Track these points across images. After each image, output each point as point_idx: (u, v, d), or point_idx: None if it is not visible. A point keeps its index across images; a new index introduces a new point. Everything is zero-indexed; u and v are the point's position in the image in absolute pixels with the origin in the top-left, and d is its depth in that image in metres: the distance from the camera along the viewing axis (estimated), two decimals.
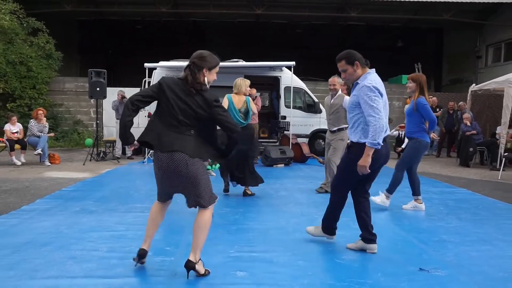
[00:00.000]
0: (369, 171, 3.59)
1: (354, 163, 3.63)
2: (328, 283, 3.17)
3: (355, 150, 3.72)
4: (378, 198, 5.72)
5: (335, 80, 6.62)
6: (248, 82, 6.41)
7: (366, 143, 3.54)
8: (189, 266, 3.15)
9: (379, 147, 3.53)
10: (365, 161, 3.54)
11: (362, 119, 3.66)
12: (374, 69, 3.75)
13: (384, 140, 3.68)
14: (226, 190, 6.55)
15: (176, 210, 5.43)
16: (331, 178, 6.49)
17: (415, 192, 5.70)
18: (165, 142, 3.10)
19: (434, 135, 5.82)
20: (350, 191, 3.99)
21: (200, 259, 3.23)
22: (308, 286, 3.10)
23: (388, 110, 3.79)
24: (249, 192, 6.49)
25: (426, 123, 5.52)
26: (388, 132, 3.83)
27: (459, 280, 3.27)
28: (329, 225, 4.08)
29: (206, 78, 3.26)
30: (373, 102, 3.50)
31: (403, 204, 5.81)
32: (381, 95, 3.57)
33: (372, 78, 3.62)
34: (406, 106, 6.18)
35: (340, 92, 6.68)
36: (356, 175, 3.69)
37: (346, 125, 6.25)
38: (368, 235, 3.93)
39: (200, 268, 3.21)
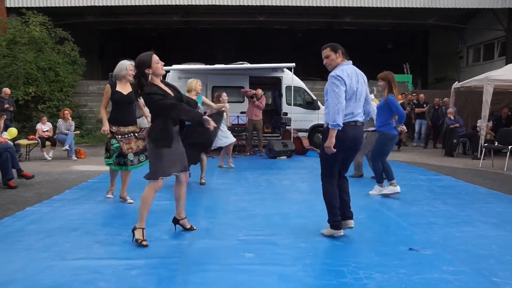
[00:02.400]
0: (334, 150, 3.57)
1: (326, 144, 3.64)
2: (328, 262, 3.17)
3: (325, 133, 3.69)
4: (374, 191, 5.69)
5: None
6: (199, 82, 6.46)
7: (329, 126, 3.57)
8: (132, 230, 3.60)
9: (339, 128, 3.52)
10: (329, 142, 3.58)
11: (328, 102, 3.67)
12: (351, 62, 3.76)
13: (355, 124, 3.68)
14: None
15: (191, 197, 5.44)
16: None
17: (389, 177, 5.61)
18: None
19: (401, 127, 5.80)
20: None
21: (139, 227, 3.55)
22: (310, 266, 3.10)
23: (362, 100, 3.77)
24: (203, 181, 6.43)
25: (395, 117, 5.49)
26: (362, 118, 3.78)
27: (445, 258, 3.26)
28: (336, 221, 3.78)
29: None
30: (335, 88, 3.55)
31: (404, 191, 5.72)
32: (345, 84, 3.57)
33: (342, 68, 3.65)
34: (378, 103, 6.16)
35: None
36: (335, 157, 3.67)
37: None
38: (347, 213, 3.85)
39: (136, 233, 3.55)
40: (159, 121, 3.50)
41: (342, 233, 3.78)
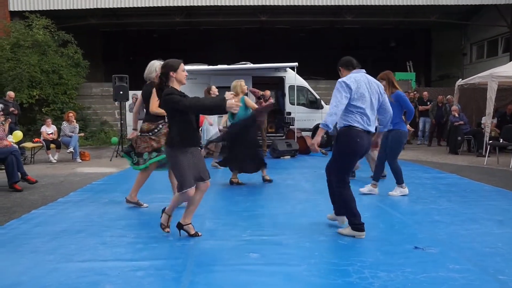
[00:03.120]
0: (318, 150, 3.85)
1: (343, 148, 3.79)
2: (333, 262, 3.16)
3: (341, 136, 3.81)
4: (395, 191, 5.62)
5: None
6: (243, 82, 6.61)
7: (320, 125, 3.71)
8: (177, 225, 3.79)
9: (329, 130, 3.67)
10: (316, 140, 3.80)
11: (345, 107, 3.73)
12: (358, 70, 3.85)
13: (368, 133, 3.77)
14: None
15: None
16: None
17: (376, 177, 5.65)
18: None
19: (409, 128, 5.79)
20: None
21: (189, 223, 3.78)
22: (315, 265, 3.09)
23: (374, 105, 3.82)
24: (237, 181, 6.50)
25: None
26: (372, 128, 3.82)
27: (450, 256, 3.25)
28: (356, 223, 3.77)
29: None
30: (337, 93, 3.67)
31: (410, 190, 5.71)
32: (351, 90, 3.66)
33: (351, 75, 3.77)
34: None
35: None
36: (352, 162, 3.82)
37: None
38: (341, 209, 3.98)
39: (188, 229, 3.78)
40: (176, 122, 3.53)
41: (364, 236, 3.74)
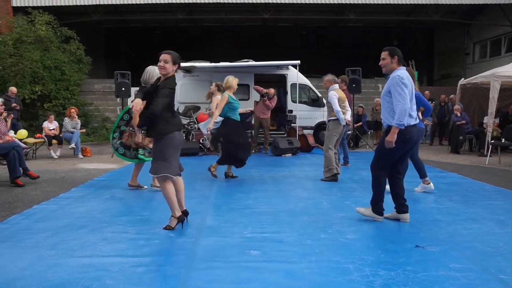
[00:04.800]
0: (394, 145, 3.87)
1: (396, 144, 3.88)
2: (334, 260, 3.16)
3: (388, 132, 3.96)
4: (419, 188, 5.67)
5: (324, 79, 6.93)
6: (236, 80, 6.66)
7: (393, 124, 3.87)
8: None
9: (403, 128, 3.83)
10: (391, 137, 3.87)
11: (390, 104, 3.95)
12: (405, 68, 4.06)
13: (415, 125, 3.98)
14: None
15: (196, 194, 5.46)
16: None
17: (422, 175, 5.65)
18: None
19: (427, 121, 5.82)
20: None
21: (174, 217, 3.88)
22: (316, 263, 3.09)
23: (414, 101, 4.06)
24: (231, 174, 6.77)
25: (421, 110, 5.51)
26: (416, 121, 4.03)
27: (452, 255, 3.24)
28: (378, 207, 4.15)
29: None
30: (400, 90, 3.85)
31: (410, 188, 5.71)
32: (406, 86, 3.87)
33: (400, 72, 3.94)
34: None
35: (330, 88, 6.75)
36: (392, 155, 3.99)
37: (332, 118, 6.63)
38: (401, 207, 4.18)
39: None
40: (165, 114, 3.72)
41: (381, 219, 4.14)
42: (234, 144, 6.38)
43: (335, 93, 6.62)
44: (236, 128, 6.52)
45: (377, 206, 4.14)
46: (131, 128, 5.56)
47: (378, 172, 4.11)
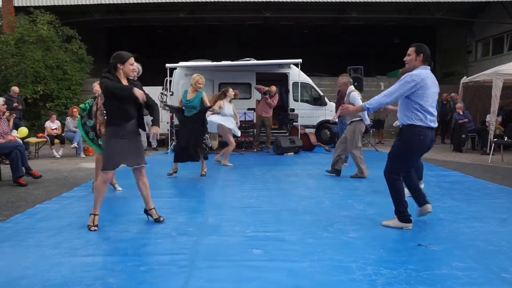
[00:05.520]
0: (347, 111, 4.23)
1: (406, 145, 3.85)
2: (336, 258, 3.16)
3: (405, 132, 3.84)
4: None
5: (339, 81, 6.89)
6: (202, 79, 6.69)
7: (364, 105, 3.89)
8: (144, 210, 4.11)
9: (366, 111, 3.91)
10: (352, 108, 4.26)
11: (406, 104, 3.81)
12: (429, 68, 3.88)
13: (432, 128, 3.83)
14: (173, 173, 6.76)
15: (198, 194, 5.47)
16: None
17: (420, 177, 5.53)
18: None
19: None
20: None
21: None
22: (318, 262, 3.09)
23: (435, 102, 3.91)
24: (204, 173, 6.76)
25: None
26: (434, 124, 3.87)
27: (454, 254, 3.24)
28: (403, 213, 3.89)
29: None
30: (399, 83, 3.77)
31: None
32: (423, 87, 3.71)
33: (418, 71, 3.78)
34: None
35: (348, 90, 6.71)
36: (407, 157, 3.90)
37: (356, 118, 6.53)
38: (420, 199, 4.06)
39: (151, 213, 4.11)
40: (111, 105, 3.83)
41: (411, 227, 3.88)
42: (182, 140, 6.58)
43: (358, 93, 6.63)
44: (185, 125, 6.63)
45: (402, 214, 3.89)
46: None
47: (393, 176, 3.91)
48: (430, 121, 3.80)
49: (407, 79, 3.73)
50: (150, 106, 3.97)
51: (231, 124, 8.06)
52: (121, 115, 3.79)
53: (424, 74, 3.76)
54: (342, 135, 6.96)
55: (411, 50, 3.91)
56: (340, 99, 8.50)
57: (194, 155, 6.57)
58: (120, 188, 5.69)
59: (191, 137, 6.50)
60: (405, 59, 3.96)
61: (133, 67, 3.87)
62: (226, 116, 8.06)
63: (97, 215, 3.90)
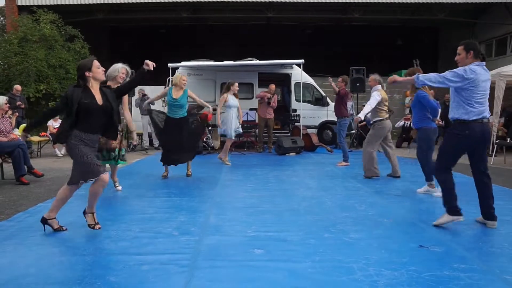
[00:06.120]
0: (396, 80, 4.18)
1: (455, 138, 3.90)
2: (337, 259, 3.16)
3: (457, 126, 3.90)
4: (422, 189, 5.60)
5: (370, 78, 6.85)
6: (184, 77, 6.68)
7: (416, 77, 3.87)
8: (42, 220, 3.78)
9: (417, 83, 3.89)
10: (401, 79, 4.26)
11: (458, 98, 3.87)
12: (483, 63, 3.89)
13: (482, 121, 3.83)
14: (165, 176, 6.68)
15: (200, 193, 5.47)
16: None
17: (429, 178, 5.54)
18: None
19: (438, 121, 5.74)
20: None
21: (53, 217, 3.77)
22: (319, 262, 3.09)
23: (487, 97, 3.93)
24: (189, 173, 6.74)
25: None
26: (489, 115, 3.97)
27: (456, 255, 3.23)
28: (452, 206, 3.96)
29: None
30: (454, 72, 3.78)
31: (415, 188, 5.72)
32: (470, 79, 3.75)
33: (472, 66, 3.80)
34: (407, 99, 6.09)
35: (374, 88, 6.70)
36: (457, 154, 3.95)
37: (380, 118, 6.55)
38: (488, 215, 4.04)
39: (52, 223, 3.76)
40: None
41: (463, 219, 3.94)
42: (166, 142, 6.52)
43: (379, 93, 6.56)
44: (168, 126, 6.48)
45: (450, 206, 3.95)
46: None
47: (444, 171, 4.03)
48: (479, 114, 3.83)
49: (461, 72, 3.76)
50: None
51: (233, 132, 8.17)
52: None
53: (477, 69, 3.80)
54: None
55: (460, 48, 3.94)
56: (339, 99, 8.49)
57: (183, 157, 6.59)
58: (120, 187, 5.68)
59: (177, 140, 6.39)
60: (456, 58, 3.99)
61: (101, 69, 3.72)
62: (231, 109, 8.09)
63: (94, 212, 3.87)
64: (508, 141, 9.27)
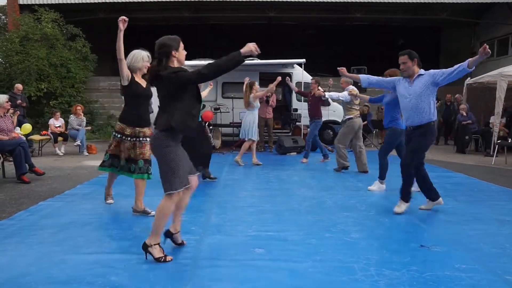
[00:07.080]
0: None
1: (426, 140, 4.39)
2: (338, 259, 3.16)
3: (431, 131, 4.38)
4: (374, 186, 5.74)
5: (342, 80, 7.27)
6: None
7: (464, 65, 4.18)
8: (143, 247, 3.05)
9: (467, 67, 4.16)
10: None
11: (425, 103, 4.32)
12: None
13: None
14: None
15: (201, 193, 5.47)
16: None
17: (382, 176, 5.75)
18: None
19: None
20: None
21: (156, 243, 3.03)
22: (320, 262, 3.09)
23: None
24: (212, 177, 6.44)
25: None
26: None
27: (457, 256, 3.23)
28: (432, 193, 4.62)
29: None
30: (449, 69, 4.26)
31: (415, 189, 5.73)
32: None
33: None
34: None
35: (347, 88, 7.12)
36: (425, 150, 4.49)
37: (350, 116, 7.09)
38: (433, 195, 4.64)
39: (153, 251, 3.01)
40: (183, 104, 2.96)
41: (442, 202, 4.65)
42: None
43: (348, 92, 6.88)
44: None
45: (430, 193, 4.61)
46: (118, 135, 4.39)
47: (421, 168, 4.58)
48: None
49: (442, 70, 4.37)
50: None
51: (254, 133, 8.13)
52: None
53: None
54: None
55: (403, 58, 4.36)
56: (316, 100, 8.64)
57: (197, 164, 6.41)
58: (112, 201, 4.90)
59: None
60: (401, 68, 4.36)
61: (185, 52, 3.19)
62: (256, 110, 8.16)
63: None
64: (509, 141, 9.25)
